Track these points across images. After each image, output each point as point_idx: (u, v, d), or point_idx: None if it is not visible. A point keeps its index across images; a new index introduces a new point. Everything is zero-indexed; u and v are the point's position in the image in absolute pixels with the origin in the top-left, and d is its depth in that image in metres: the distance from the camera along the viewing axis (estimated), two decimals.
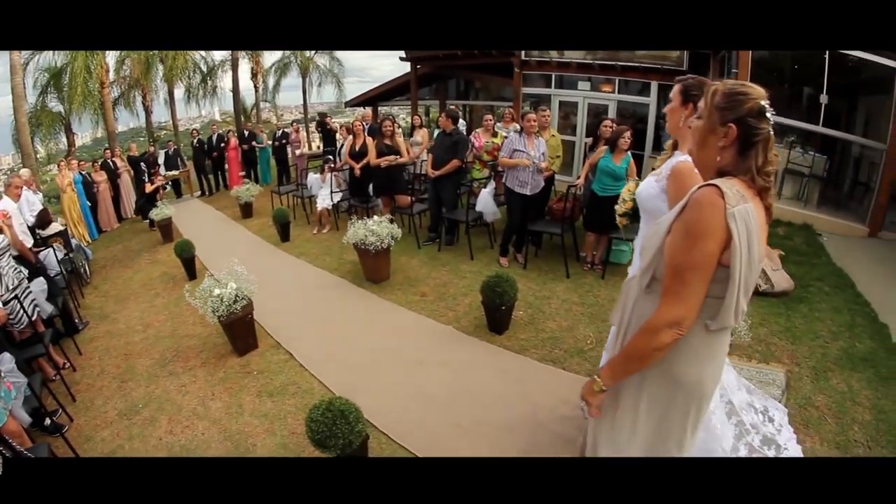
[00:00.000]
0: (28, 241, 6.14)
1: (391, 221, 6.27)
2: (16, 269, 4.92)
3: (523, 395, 3.95)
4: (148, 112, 20.62)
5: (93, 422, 4.33)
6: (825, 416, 3.52)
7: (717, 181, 1.60)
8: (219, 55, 22.16)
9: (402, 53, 15.84)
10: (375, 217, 6.26)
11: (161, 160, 14.03)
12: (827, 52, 7.75)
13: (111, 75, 18.48)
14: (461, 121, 9.48)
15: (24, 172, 9.06)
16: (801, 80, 9.03)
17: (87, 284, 8.13)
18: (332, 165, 9.17)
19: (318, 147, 16.18)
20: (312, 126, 22.38)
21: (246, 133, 14.67)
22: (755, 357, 4.23)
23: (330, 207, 9.03)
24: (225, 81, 22.58)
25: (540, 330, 4.93)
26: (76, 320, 6.26)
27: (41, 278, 5.49)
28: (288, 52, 23.17)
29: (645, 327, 1.73)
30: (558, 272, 6.23)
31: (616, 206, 3.29)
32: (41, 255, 6.32)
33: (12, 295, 4.53)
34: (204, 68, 22.18)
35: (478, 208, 7.18)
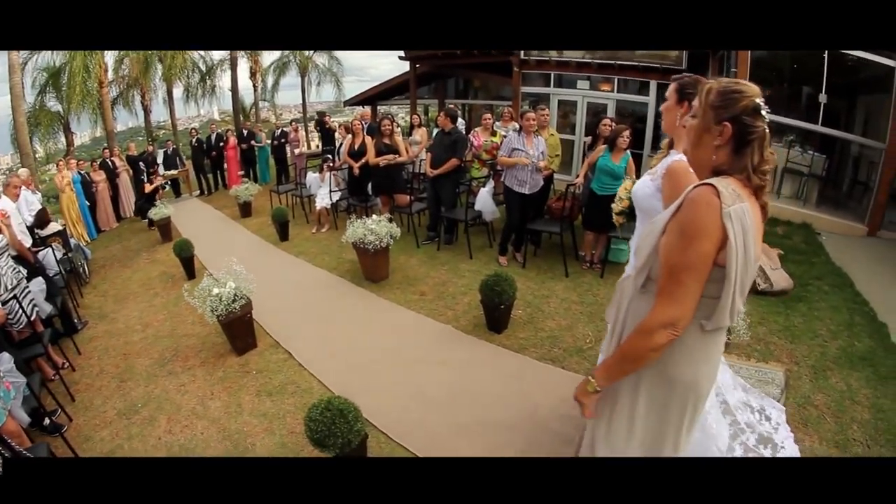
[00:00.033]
0: (27, 241, 6.14)
1: (390, 220, 6.27)
2: (14, 268, 4.91)
3: (522, 394, 3.95)
4: (147, 111, 20.59)
5: (92, 421, 4.32)
6: (824, 415, 3.53)
7: (712, 180, 1.59)
8: (217, 54, 22.17)
9: (401, 52, 15.81)
10: (374, 216, 6.26)
11: (160, 159, 14.03)
12: (826, 52, 7.76)
13: (110, 75, 18.43)
14: (460, 120, 9.47)
15: (23, 172, 9.06)
16: (800, 79, 9.04)
17: (86, 284, 8.12)
18: (331, 164, 9.16)
19: (317, 146, 16.17)
20: (311, 125, 22.38)
21: (245, 132, 14.67)
22: (754, 356, 4.23)
23: (329, 207, 9.03)
24: (224, 81, 22.60)
25: (539, 329, 4.94)
26: (75, 320, 6.26)
27: (40, 278, 5.48)
28: (287, 52, 23.16)
29: (640, 328, 1.72)
30: (557, 271, 6.23)
31: (612, 205, 3.29)
32: (40, 255, 6.31)
33: (11, 295, 4.53)
34: (203, 67, 22.15)
35: (477, 207, 7.18)
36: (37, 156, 17.68)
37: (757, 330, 4.57)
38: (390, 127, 7.90)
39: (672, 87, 2.46)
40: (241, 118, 21.55)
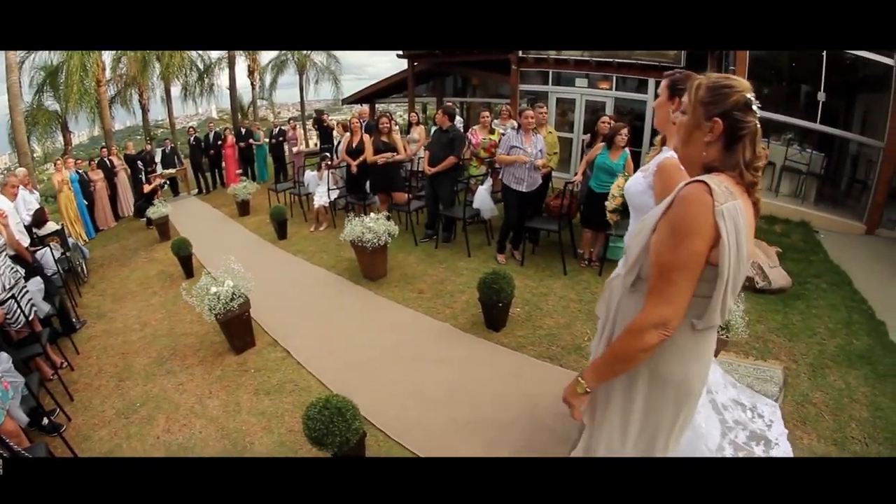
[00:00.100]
0: (25, 241, 6.13)
1: (388, 218, 6.27)
2: (12, 268, 4.90)
3: (520, 392, 3.95)
4: (145, 110, 20.53)
5: (91, 421, 4.32)
6: (822, 413, 3.53)
7: (704, 177, 1.56)
8: (215, 53, 22.05)
9: (400, 51, 15.81)
10: (372, 214, 6.26)
11: (158, 158, 14.01)
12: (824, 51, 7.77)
13: (107, 73, 18.39)
14: (458, 118, 9.47)
15: (21, 171, 9.02)
16: (798, 77, 9.06)
17: (84, 283, 8.11)
18: (329, 163, 9.15)
19: (315, 144, 16.17)
20: (309, 123, 22.35)
21: (243, 131, 14.61)
22: (752, 354, 4.24)
23: (327, 205, 9.03)
24: (222, 79, 22.54)
25: (537, 327, 4.94)
26: (73, 319, 6.25)
27: (38, 278, 5.47)
28: (285, 50, 23.11)
29: (630, 328, 1.69)
30: (555, 269, 6.23)
31: (606, 203, 3.29)
32: (38, 255, 6.29)
33: (9, 294, 4.51)
34: (201, 66, 22.07)
35: (475, 205, 7.17)
36: (34, 155, 17.67)
37: (755, 328, 4.58)
38: (388, 125, 7.89)
39: (664, 83, 2.45)
40: (240, 116, 21.53)
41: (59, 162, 11.92)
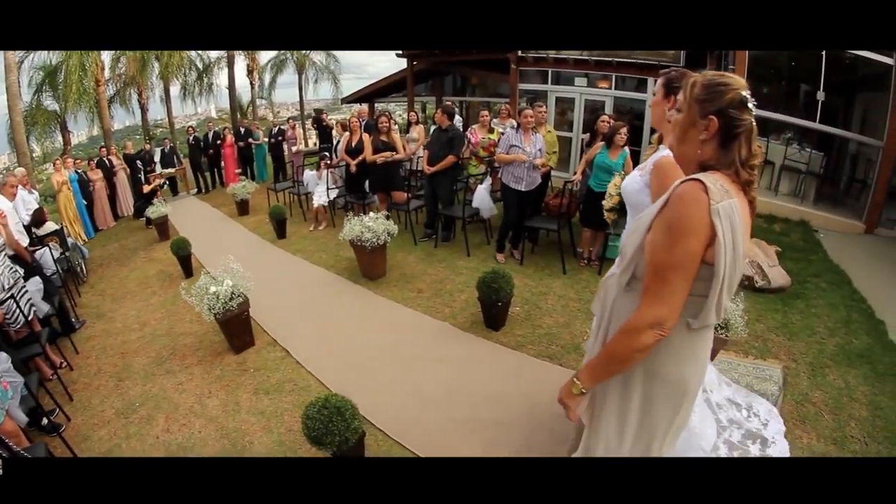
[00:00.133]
0: (24, 241, 6.12)
1: (387, 218, 6.27)
2: (11, 268, 4.89)
3: (520, 392, 3.95)
4: (144, 110, 20.54)
5: (90, 421, 4.32)
6: (822, 412, 3.53)
7: (699, 175, 1.55)
8: (214, 52, 22.10)
9: (399, 50, 15.81)
10: (371, 213, 6.25)
11: (157, 158, 14.00)
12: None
13: (107, 73, 18.41)
14: (457, 117, 9.47)
15: (19, 171, 9.03)
16: (798, 76, 9.05)
17: (83, 283, 8.11)
18: (329, 162, 9.15)
19: (315, 144, 16.17)
20: (309, 123, 22.35)
21: (242, 130, 14.60)
22: (752, 353, 4.24)
23: (326, 204, 9.02)
24: (221, 79, 22.55)
25: (536, 326, 4.94)
26: (73, 319, 6.25)
27: (37, 277, 5.46)
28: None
29: (625, 328, 1.68)
30: (555, 268, 6.23)
31: (603, 202, 3.29)
32: (37, 255, 6.29)
33: (8, 294, 4.51)
34: (200, 65, 22.09)
35: (474, 204, 7.17)
36: (33, 155, 17.69)
37: (755, 327, 4.58)
38: (387, 124, 7.88)
39: (659, 81, 2.45)
40: (239, 116, 21.56)
41: (58, 162, 11.90)
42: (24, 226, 6.87)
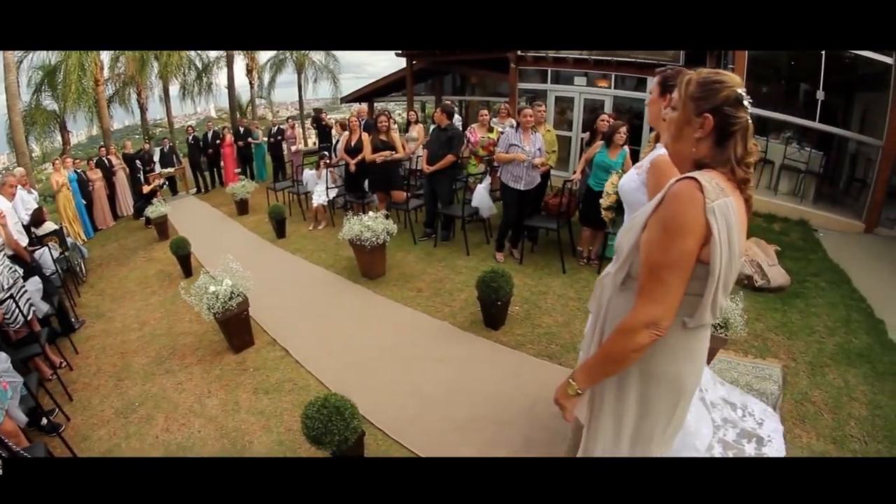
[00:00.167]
0: (23, 240, 6.12)
1: (387, 217, 6.27)
2: (11, 268, 4.90)
3: (519, 391, 3.95)
4: (143, 109, 20.54)
5: (90, 421, 4.31)
6: (821, 412, 3.54)
7: (695, 174, 1.53)
8: (214, 52, 22.10)
9: (399, 50, 15.80)
10: (371, 213, 6.24)
11: (156, 157, 14.01)
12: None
13: (106, 73, 18.41)
14: (457, 116, 9.46)
15: (19, 171, 9.05)
16: (797, 76, 9.06)
17: (82, 283, 8.11)
18: (328, 161, 9.15)
19: (314, 143, 16.16)
20: (308, 122, 22.35)
21: (241, 129, 14.60)
22: (751, 352, 4.24)
23: (325, 203, 9.02)
24: (220, 78, 22.56)
25: (536, 325, 4.94)
26: (72, 319, 6.24)
27: (36, 277, 5.46)
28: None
29: (621, 328, 1.65)
30: (554, 267, 6.23)
31: (600, 200, 3.28)
32: (36, 254, 6.29)
33: (7, 294, 4.51)
34: (199, 65, 22.08)
35: (473, 203, 7.17)
36: (33, 155, 17.69)
37: (754, 326, 4.58)
38: (387, 123, 7.88)
39: (655, 79, 2.45)
40: (238, 115, 21.55)
41: (57, 162, 11.90)
42: (23, 225, 6.87)
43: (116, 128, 25.83)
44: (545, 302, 5.38)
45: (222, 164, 14.68)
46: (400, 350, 4.74)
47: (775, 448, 2.47)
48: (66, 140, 18.30)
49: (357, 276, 6.50)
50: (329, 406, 3.04)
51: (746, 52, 8.20)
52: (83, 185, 11.87)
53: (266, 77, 24.06)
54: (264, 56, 23.66)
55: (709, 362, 3.67)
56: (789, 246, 6.68)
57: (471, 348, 4.67)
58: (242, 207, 11.11)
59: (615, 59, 11.10)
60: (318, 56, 24.06)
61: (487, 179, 7.35)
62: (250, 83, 23.44)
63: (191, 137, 14.57)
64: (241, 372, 4.69)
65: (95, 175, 12.47)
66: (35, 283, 5.31)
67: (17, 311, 4.51)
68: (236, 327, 4.96)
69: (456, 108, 11.14)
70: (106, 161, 13.00)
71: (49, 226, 7.96)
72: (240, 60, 22.26)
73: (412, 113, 11.00)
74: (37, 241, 7.09)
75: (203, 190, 14.62)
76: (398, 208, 7.97)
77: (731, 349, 4.12)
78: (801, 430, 3.35)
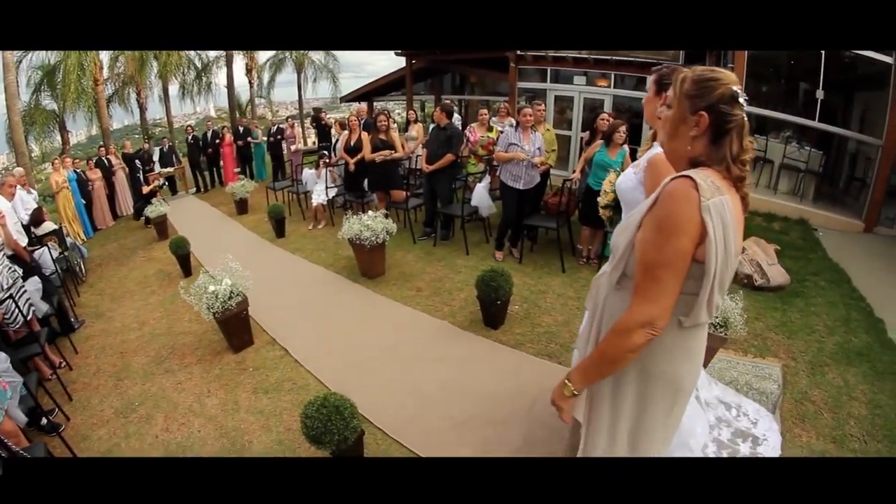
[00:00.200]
0: (23, 240, 6.12)
1: (386, 216, 6.26)
2: (10, 268, 4.89)
3: (519, 390, 3.94)
4: (142, 109, 20.56)
5: (89, 420, 4.31)
6: (821, 411, 3.53)
7: (690, 172, 1.52)
8: (213, 52, 22.12)
9: (398, 50, 15.81)
10: (370, 212, 6.24)
11: (156, 157, 14.02)
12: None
13: (105, 72, 18.42)
14: (456, 115, 9.46)
15: (18, 171, 9.05)
16: (797, 75, 9.06)
17: (82, 283, 8.11)
18: (327, 161, 9.15)
19: (314, 142, 16.17)
20: (307, 121, 22.34)
21: (241, 129, 14.60)
22: (751, 351, 4.24)
23: (325, 203, 9.02)
24: (219, 78, 22.58)
25: (535, 324, 4.93)
26: (72, 319, 6.24)
27: (36, 277, 5.46)
28: None
29: (616, 327, 1.64)
30: (554, 266, 6.23)
31: (598, 199, 3.28)
32: (36, 254, 6.29)
33: (7, 294, 4.50)
34: (198, 64, 22.09)
35: (473, 203, 7.17)
36: (32, 155, 17.69)
37: (754, 325, 4.58)
38: (386, 123, 7.88)
39: (651, 78, 2.45)
40: (238, 115, 21.56)
41: (56, 161, 11.90)
42: (22, 225, 6.87)
43: (116, 127, 25.83)
44: (545, 301, 5.38)
45: (222, 163, 14.65)
46: (399, 349, 4.74)
47: (771, 447, 2.47)
48: (66, 140, 18.31)
49: (356, 275, 6.50)
50: (328, 405, 3.04)
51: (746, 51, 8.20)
52: (83, 184, 11.87)
53: (265, 76, 24.11)
54: (264, 55, 23.72)
55: (709, 362, 3.68)
56: (789, 245, 6.68)
57: (470, 347, 4.67)
58: (242, 207, 11.11)
59: (615, 58, 11.10)
60: (317, 55, 24.09)
61: (487, 179, 7.35)
62: (250, 82, 23.47)
63: (190, 137, 14.56)
64: (241, 371, 4.69)
65: (95, 175, 12.46)
66: (34, 283, 5.31)
67: (16, 310, 4.51)
68: (236, 327, 4.96)
69: (455, 108, 11.14)
70: (105, 161, 12.99)
71: (48, 226, 7.96)
72: (239, 60, 22.31)
73: (411, 112, 11.00)
74: (36, 241, 7.09)
75: (202, 189, 14.62)
76: (398, 207, 7.97)
77: (730, 348, 4.13)
78: (801, 430, 3.35)
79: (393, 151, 7.77)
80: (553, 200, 6.58)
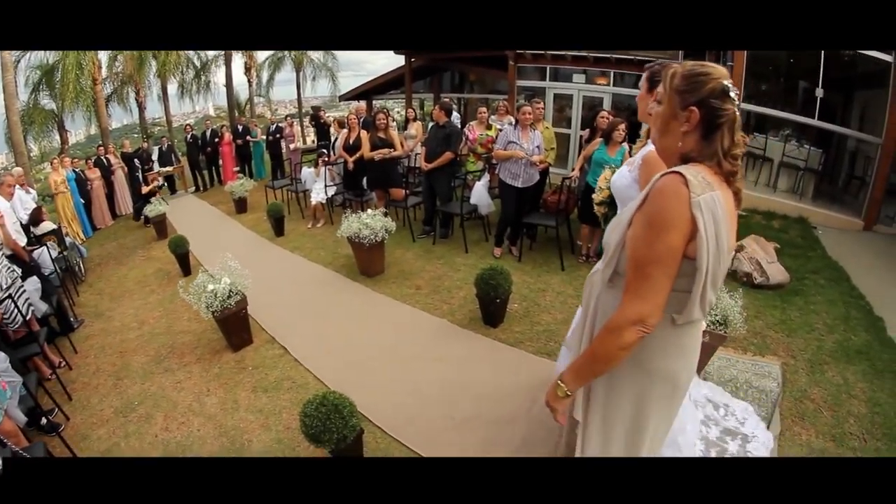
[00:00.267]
0: (21, 240, 6.11)
1: (385, 215, 6.26)
2: (9, 268, 4.89)
3: (518, 389, 3.94)
4: (141, 108, 20.54)
5: (89, 420, 4.31)
6: (821, 409, 3.54)
7: (680, 168, 1.51)
8: (212, 51, 22.11)
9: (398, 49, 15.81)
10: (369, 210, 6.24)
11: (155, 156, 14.02)
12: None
13: (104, 72, 18.39)
14: (455, 113, 9.45)
15: (17, 171, 9.04)
16: (796, 73, 9.05)
17: (81, 282, 8.10)
18: (326, 159, 9.15)
19: (313, 141, 16.16)
20: (306, 120, 22.34)
21: (240, 128, 14.58)
22: (751, 350, 4.24)
23: (324, 201, 9.02)
24: (218, 76, 22.55)
25: (535, 323, 4.93)
26: (71, 319, 6.23)
27: (35, 277, 5.46)
28: None
29: (608, 326, 1.62)
30: (553, 264, 6.23)
31: (593, 196, 3.28)
32: (35, 254, 6.28)
33: (6, 294, 4.50)
34: (197, 63, 22.09)
35: (472, 201, 7.16)
36: (31, 154, 17.66)
37: (753, 323, 4.58)
38: (385, 121, 7.86)
39: (644, 75, 2.45)
40: (236, 114, 21.56)
41: (55, 161, 11.90)
42: (21, 225, 6.86)
43: (115, 127, 25.82)
44: (544, 299, 5.38)
45: (221, 162, 14.64)
46: (398, 348, 4.74)
47: (761, 444, 2.47)
48: (65, 139, 18.30)
49: (356, 273, 6.50)
50: (327, 404, 3.03)
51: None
52: (82, 184, 11.87)
53: (264, 75, 24.13)
54: (262, 54, 23.72)
55: (708, 360, 3.68)
56: (788, 243, 6.68)
57: (470, 346, 4.66)
58: (241, 206, 11.11)
59: (614, 56, 11.09)
60: (316, 54, 24.10)
61: (486, 177, 7.35)
62: (249, 81, 23.47)
63: (189, 136, 14.55)
64: (240, 370, 4.69)
65: (94, 174, 12.46)
66: (34, 283, 5.31)
67: (15, 310, 4.51)
68: (235, 326, 4.96)
69: (454, 106, 11.13)
70: (104, 160, 12.99)
71: (47, 225, 7.95)
72: (238, 59, 22.31)
73: (410, 110, 11.01)
74: (35, 241, 7.09)
75: (202, 188, 14.61)
76: (397, 206, 7.96)
77: (730, 346, 4.13)
78: (801, 428, 3.35)
79: (392, 150, 7.76)
80: (552, 198, 6.58)
